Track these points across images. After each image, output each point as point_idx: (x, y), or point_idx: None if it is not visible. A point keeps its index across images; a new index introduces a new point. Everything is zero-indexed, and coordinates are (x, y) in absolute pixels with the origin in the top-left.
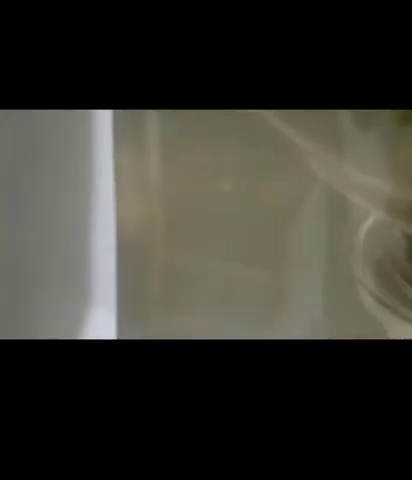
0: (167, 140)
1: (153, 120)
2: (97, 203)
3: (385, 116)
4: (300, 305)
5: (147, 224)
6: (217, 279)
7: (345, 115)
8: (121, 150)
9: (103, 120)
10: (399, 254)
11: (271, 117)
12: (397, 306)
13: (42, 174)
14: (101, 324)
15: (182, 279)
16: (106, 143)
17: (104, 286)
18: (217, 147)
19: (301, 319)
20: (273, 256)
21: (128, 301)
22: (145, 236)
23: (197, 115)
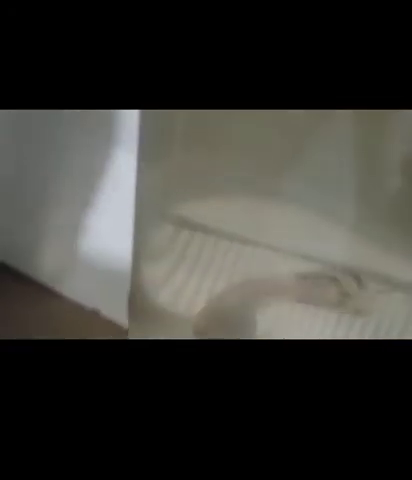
0: None
1: None
2: None
3: None
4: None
5: None
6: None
7: None
8: None
9: None
10: None
11: None
12: None
13: None
14: (123, 165)
15: (205, 124)
16: None
17: (127, 128)
18: None
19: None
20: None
21: (149, 143)
22: None
23: None
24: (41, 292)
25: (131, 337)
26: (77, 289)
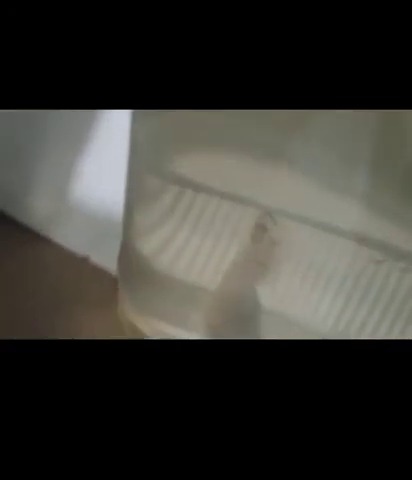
0: None
1: None
2: None
3: None
4: None
5: None
6: None
7: None
8: None
9: None
10: None
11: None
12: None
13: None
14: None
15: None
16: None
17: None
18: None
19: None
20: None
21: None
22: None
23: None
24: (31, 237)
25: (121, 293)
26: (68, 235)
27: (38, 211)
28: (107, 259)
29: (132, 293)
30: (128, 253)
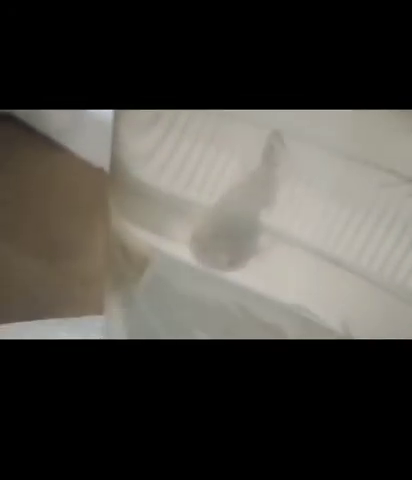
0: None
1: None
2: None
3: None
4: None
5: None
6: None
7: None
8: None
9: None
10: None
11: None
12: None
13: None
14: None
15: None
16: None
17: None
18: None
19: None
20: None
21: None
22: None
23: None
24: (48, 146)
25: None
26: (84, 146)
27: (55, 120)
28: None
29: (118, 200)
30: (115, 158)
